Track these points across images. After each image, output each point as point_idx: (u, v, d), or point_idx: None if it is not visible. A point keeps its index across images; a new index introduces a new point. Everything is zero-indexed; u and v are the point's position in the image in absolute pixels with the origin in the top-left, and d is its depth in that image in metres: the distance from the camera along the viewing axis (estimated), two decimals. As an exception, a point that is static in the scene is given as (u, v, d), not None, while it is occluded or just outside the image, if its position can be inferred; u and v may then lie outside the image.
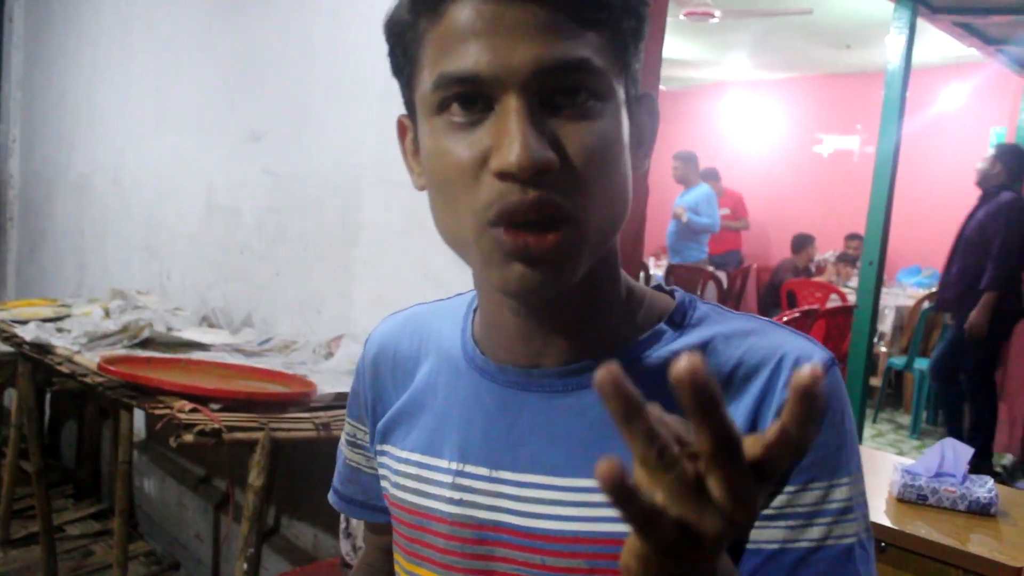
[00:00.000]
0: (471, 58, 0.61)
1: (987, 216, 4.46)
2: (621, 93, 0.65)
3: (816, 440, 0.65)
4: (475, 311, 0.79)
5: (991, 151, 4.58)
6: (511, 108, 0.60)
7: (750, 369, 0.68)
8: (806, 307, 5.13)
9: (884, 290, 5.09)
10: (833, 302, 5.86)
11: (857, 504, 0.67)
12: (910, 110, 3.52)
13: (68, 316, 2.91)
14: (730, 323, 0.71)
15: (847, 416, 0.68)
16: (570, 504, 0.69)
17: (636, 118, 0.69)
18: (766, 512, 0.66)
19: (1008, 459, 5.10)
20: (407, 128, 0.73)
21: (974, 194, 5.02)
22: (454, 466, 0.75)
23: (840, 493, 0.66)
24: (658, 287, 0.76)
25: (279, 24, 2.96)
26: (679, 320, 0.72)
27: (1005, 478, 4.73)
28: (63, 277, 4.59)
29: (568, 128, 0.62)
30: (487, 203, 0.62)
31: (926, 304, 5.84)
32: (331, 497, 0.96)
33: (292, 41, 2.90)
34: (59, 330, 2.63)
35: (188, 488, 3.34)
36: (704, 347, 0.70)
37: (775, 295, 6.87)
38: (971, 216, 4.61)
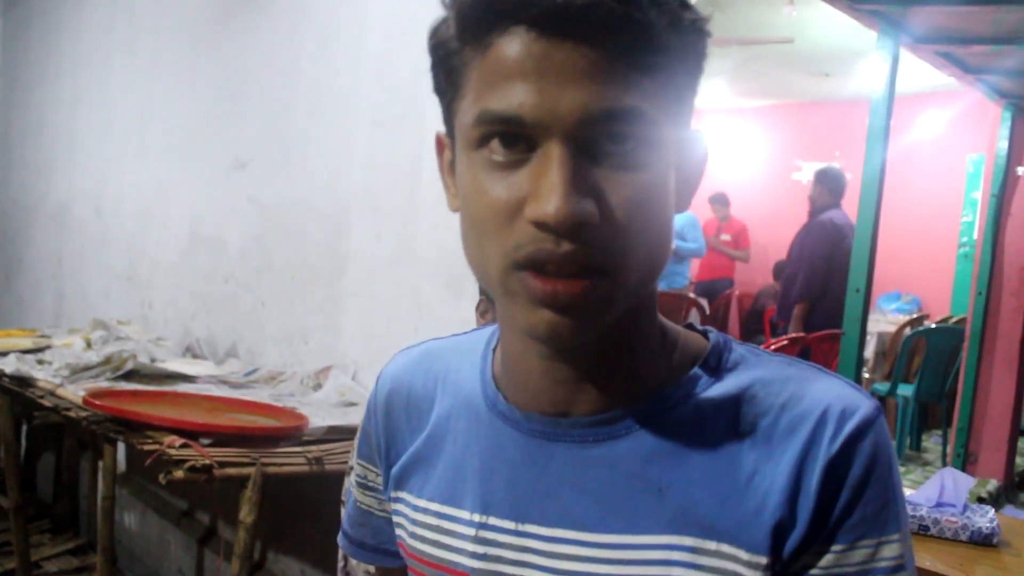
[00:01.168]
0: (516, 99, 0.58)
1: (804, 234, 4.74)
2: (672, 137, 0.62)
3: (864, 495, 0.63)
4: (494, 350, 0.76)
5: (813, 175, 4.76)
6: (553, 156, 0.57)
7: (793, 420, 0.64)
8: (792, 334, 5.13)
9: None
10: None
11: (908, 562, 0.64)
12: (890, 137, 3.53)
13: (48, 347, 2.85)
14: (768, 367, 0.68)
15: (894, 469, 0.65)
16: (602, 561, 0.66)
17: (685, 158, 0.65)
18: (813, 572, 0.63)
19: (993, 485, 5.10)
20: (445, 145, 0.70)
21: (954, 220, 5.03)
22: (476, 518, 0.71)
23: (890, 551, 0.63)
24: (690, 326, 0.73)
25: (264, 50, 2.93)
26: (714, 364, 0.69)
27: (991, 504, 4.73)
28: (40, 307, 4.51)
29: (612, 179, 0.59)
30: (517, 245, 0.59)
31: (908, 330, 5.88)
32: (340, 540, 0.92)
33: (277, 68, 2.87)
34: (40, 362, 2.58)
35: (170, 522, 3.26)
36: (741, 394, 0.66)
37: (758, 321, 6.86)
38: (797, 235, 4.86)
